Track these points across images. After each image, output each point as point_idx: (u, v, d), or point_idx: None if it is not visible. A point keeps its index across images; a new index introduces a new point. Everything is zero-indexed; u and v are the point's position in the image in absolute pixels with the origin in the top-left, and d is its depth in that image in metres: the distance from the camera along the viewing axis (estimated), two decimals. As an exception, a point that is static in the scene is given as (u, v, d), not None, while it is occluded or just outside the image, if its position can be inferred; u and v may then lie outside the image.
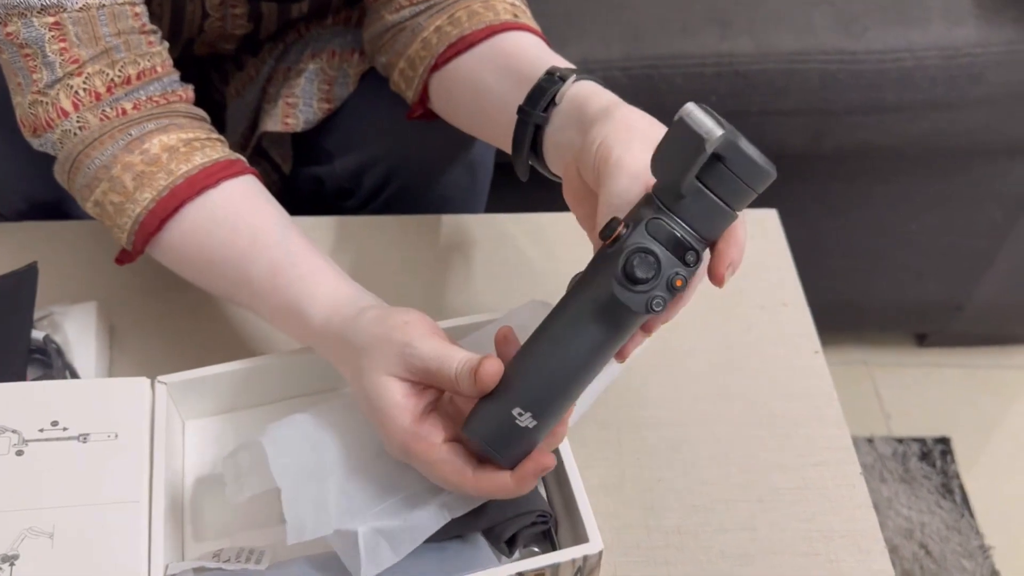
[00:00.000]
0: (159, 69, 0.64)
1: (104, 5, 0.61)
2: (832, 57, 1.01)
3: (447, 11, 0.69)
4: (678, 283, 0.46)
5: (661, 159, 0.46)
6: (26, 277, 0.65)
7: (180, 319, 0.71)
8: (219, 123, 0.91)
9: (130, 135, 0.62)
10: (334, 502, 0.53)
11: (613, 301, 0.46)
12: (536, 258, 0.77)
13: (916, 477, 1.27)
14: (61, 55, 0.60)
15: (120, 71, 0.62)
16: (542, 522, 0.55)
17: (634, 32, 1.03)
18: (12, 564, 0.49)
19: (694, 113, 0.43)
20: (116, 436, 0.56)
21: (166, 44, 0.66)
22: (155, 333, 0.70)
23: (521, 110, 0.60)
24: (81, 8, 0.60)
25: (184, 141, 0.63)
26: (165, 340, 0.70)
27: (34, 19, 0.59)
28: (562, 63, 0.63)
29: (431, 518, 0.52)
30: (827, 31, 1.02)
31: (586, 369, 0.48)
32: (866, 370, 1.41)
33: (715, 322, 0.72)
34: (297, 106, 0.83)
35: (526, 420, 0.48)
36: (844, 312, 1.33)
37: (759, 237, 0.78)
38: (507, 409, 0.48)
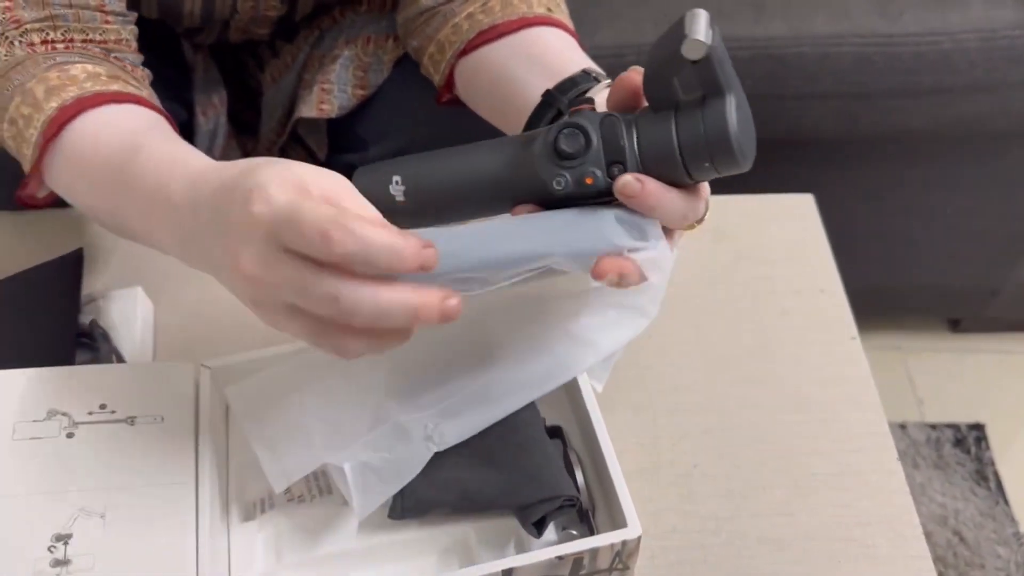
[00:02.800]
0: (111, 45, 0.63)
1: None
2: (868, 40, 1.00)
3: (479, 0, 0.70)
4: (587, 180, 0.46)
5: (650, 60, 0.45)
6: (72, 263, 0.67)
7: (221, 304, 0.72)
8: (256, 110, 0.92)
9: (54, 60, 0.60)
10: (319, 434, 0.54)
11: (529, 154, 0.47)
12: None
13: (950, 463, 1.27)
14: (4, 13, 0.60)
15: (63, 35, 0.61)
16: (569, 505, 0.56)
17: (666, 16, 1.02)
18: (66, 543, 0.51)
19: (698, 15, 0.42)
20: (162, 419, 0.57)
21: (132, 29, 0.65)
22: (197, 318, 0.71)
23: (548, 93, 0.60)
24: None
25: (109, 74, 0.61)
26: (207, 325, 0.71)
27: None
28: (594, 66, 0.63)
29: (417, 453, 0.53)
30: (863, 14, 1.01)
31: (471, 187, 0.49)
32: (899, 355, 1.40)
33: (751, 307, 0.72)
34: (332, 92, 0.83)
35: (398, 191, 0.49)
36: (877, 297, 1.33)
37: (795, 222, 0.78)
38: (389, 173, 0.49)
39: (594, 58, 1.02)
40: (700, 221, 0.51)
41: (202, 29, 0.84)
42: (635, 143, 0.46)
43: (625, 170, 0.46)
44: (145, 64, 0.66)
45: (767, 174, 1.13)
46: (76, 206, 0.63)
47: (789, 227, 0.78)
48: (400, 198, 0.49)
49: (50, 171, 0.60)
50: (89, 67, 0.61)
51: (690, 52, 0.42)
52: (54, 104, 0.58)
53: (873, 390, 0.67)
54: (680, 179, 0.46)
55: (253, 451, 0.59)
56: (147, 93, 0.63)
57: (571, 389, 0.61)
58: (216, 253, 0.46)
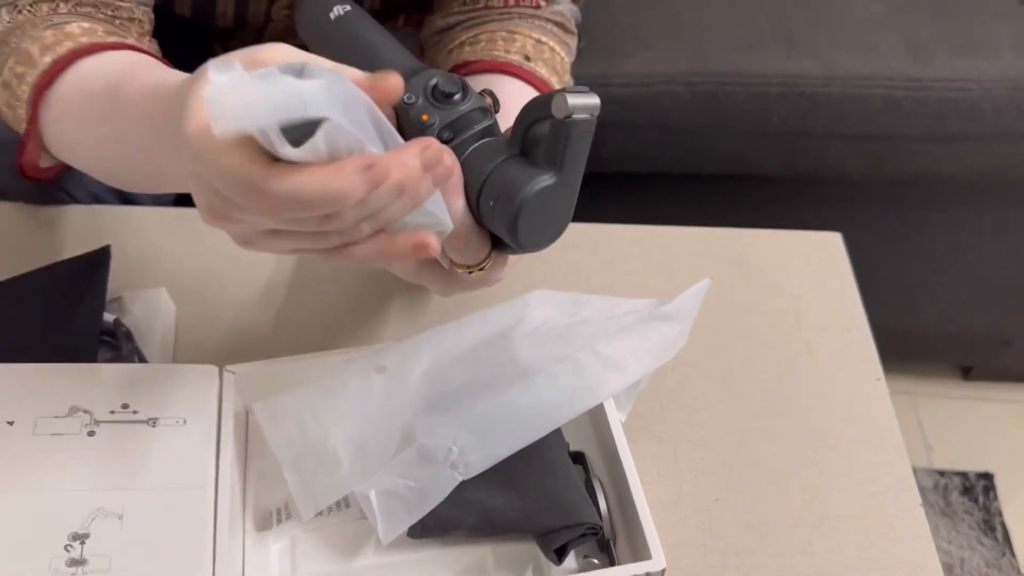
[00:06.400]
0: (123, 23, 0.62)
1: None
2: (898, 83, 1.01)
3: (476, 29, 0.70)
4: (424, 117, 0.47)
5: (532, 100, 0.46)
6: (99, 260, 0.66)
7: (244, 308, 0.72)
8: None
9: (51, 21, 0.59)
10: (346, 458, 0.54)
11: (417, 70, 0.48)
12: (592, 269, 0.76)
13: (957, 512, 1.25)
14: None
15: (73, 7, 0.60)
16: (592, 533, 0.55)
17: (699, 47, 1.03)
18: (83, 542, 0.50)
19: (591, 95, 0.43)
20: (184, 422, 0.56)
21: (146, 11, 0.64)
22: (218, 321, 0.71)
23: None
24: None
25: (108, 31, 0.59)
26: (228, 328, 0.70)
27: None
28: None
29: (441, 480, 0.53)
30: (894, 56, 1.02)
31: (378, 50, 0.52)
32: (909, 399, 1.39)
33: (777, 342, 0.71)
34: None
35: (340, 10, 0.52)
36: (889, 339, 1.31)
37: (822, 259, 0.78)
38: (333, 3, 0.52)
39: (624, 86, 1.02)
40: (479, 268, 0.49)
41: (235, 35, 0.84)
42: (474, 142, 0.47)
43: (449, 145, 0.47)
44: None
45: (789, 209, 1.13)
46: (76, 163, 0.61)
47: (816, 264, 0.77)
48: (334, 16, 0.52)
49: (46, 127, 0.59)
50: (86, 24, 0.59)
51: (555, 107, 0.43)
52: (48, 59, 0.57)
53: (897, 433, 0.67)
54: (471, 203, 0.47)
55: (272, 460, 0.58)
56: (147, 45, 0.61)
57: (595, 415, 0.61)
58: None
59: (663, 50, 1.03)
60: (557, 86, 0.68)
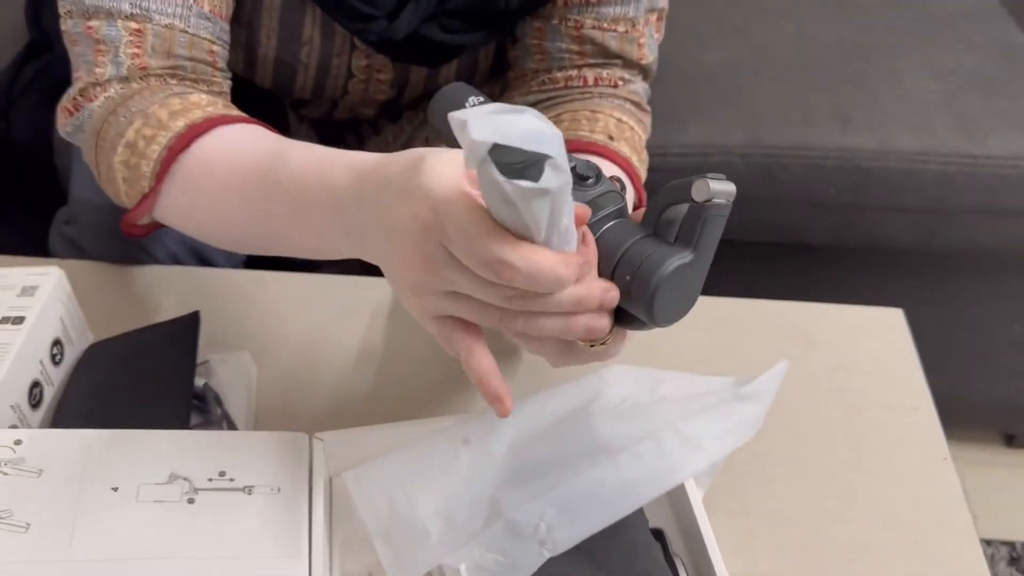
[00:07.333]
0: (217, 90, 0.67)
1: (186, 31, 0.64)
2: (951, 159, 1.03)
3: (558, 108, 0.72)
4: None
5: (667, 185, 0.48)
6: (189, 325, 0.69)
7: (320, 373, 0.74)
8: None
9: (172, 90, 0.63)
10: (435, 530, 0.55)
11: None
12: (657, 338, 0.77)
13: (1005, 583, 1.25)
14: (132, 59, 0.63)
15: (178, 81, 0.65)
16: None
17: (755, 120, 1.05)
18: (187, 611, 0.51)
19: (728, 183, 0.44)
20: (279, 490, 0.58)
21: (230, 84, 0.69)
22: (295, 385, 0.73)
23: None
24: (166, 26, 0.63)
25: (226, 105, 0.64)
26: (305, 393, 0.72)
27: (119, 21, 0.62)
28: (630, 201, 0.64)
29: (529, 556, 0.54)
30: (947, 133, 1.04)
31: None
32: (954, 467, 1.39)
33: (845, 420, 0.72)
34: None
35: (474, 101, 0.53)
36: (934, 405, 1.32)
37: (885, 337, 0.79)
38: (467, 94, 0.53)
39: (681, 156, 1.05)
40: (601, 343, 0.50)
41: (310, 102, 0.87)
42: (608, 222, 0.49)
43: (590, 220, 0.49)
44: None
45: (841, 277, 1.15)
46: (190, 225, 0.64)
47: (880, 341, 0.79)
48: (469, 107, 0.52)
49: (169, 188, 0.62)
50: (206, 97, 0.64)
51: (696, 191, 0.45)
52: (182, 123, 0.61)
53: (966, 513, 0.67)
54: (603, 278, 0.48)
55: (357, 527, 0.60)
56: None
57: (673, 492, 0.62)
58: (383, 248, 0.47)
59: (720, 122, 1.05)
60: (636, 164, 0.70)
